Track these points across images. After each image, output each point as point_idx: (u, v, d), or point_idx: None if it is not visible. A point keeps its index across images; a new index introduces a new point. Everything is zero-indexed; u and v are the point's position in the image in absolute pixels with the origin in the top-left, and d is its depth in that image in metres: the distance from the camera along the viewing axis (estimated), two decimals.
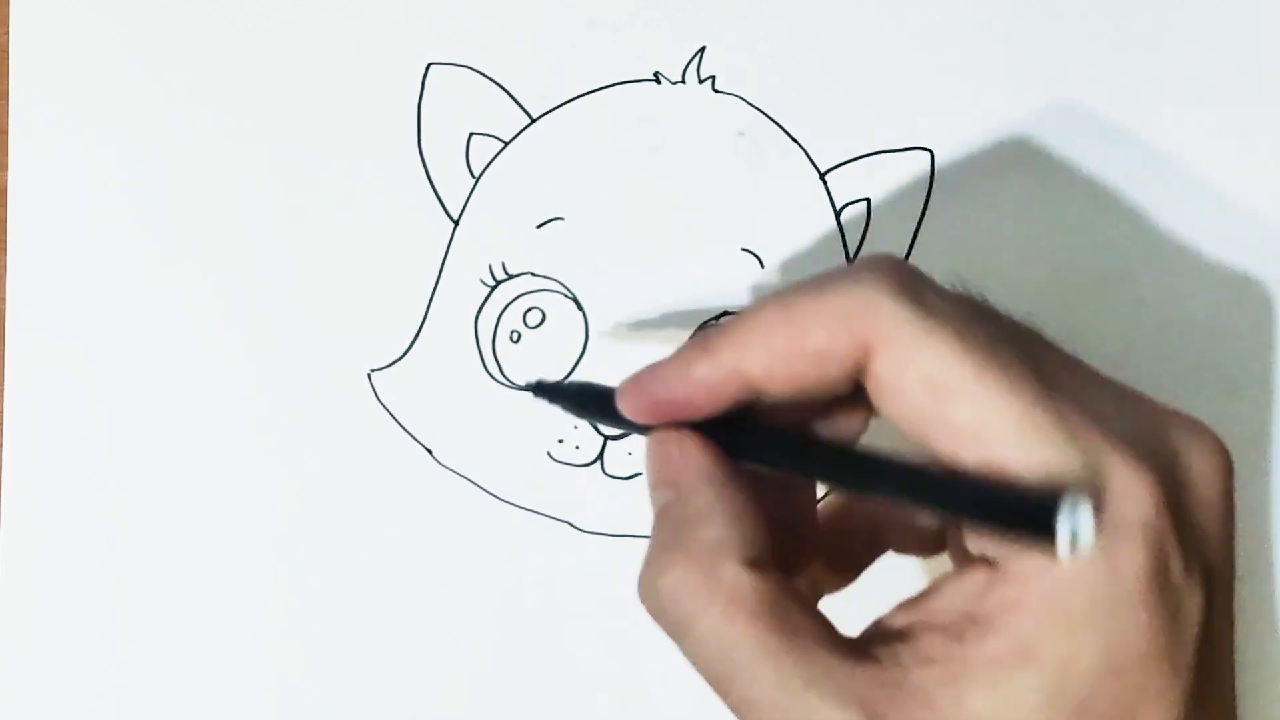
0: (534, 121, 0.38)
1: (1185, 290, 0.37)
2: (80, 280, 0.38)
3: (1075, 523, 0.23)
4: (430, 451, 0.38)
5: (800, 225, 0.37)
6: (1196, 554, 0.25)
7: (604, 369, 0.37)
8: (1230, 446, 0.27)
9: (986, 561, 0.26)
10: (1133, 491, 0.24)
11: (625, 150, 0.38)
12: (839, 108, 0.37)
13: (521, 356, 0.38)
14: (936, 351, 0.25)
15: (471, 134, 0.38)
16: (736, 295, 0.37)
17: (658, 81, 0.38)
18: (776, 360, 0.26)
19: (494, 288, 0.38)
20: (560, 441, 0.38)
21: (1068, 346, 0.29)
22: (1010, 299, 0.37)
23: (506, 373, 0.38)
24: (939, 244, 0.37)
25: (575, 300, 0.38)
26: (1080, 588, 0.24)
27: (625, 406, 0.29)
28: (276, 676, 0.39)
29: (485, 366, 0.38)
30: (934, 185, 0.37)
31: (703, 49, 0.37)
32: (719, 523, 0.26)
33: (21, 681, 0.39)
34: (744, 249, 0.37)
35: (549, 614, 0.38)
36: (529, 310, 0.38)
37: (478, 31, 0.38)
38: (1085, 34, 0.37)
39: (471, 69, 0.38)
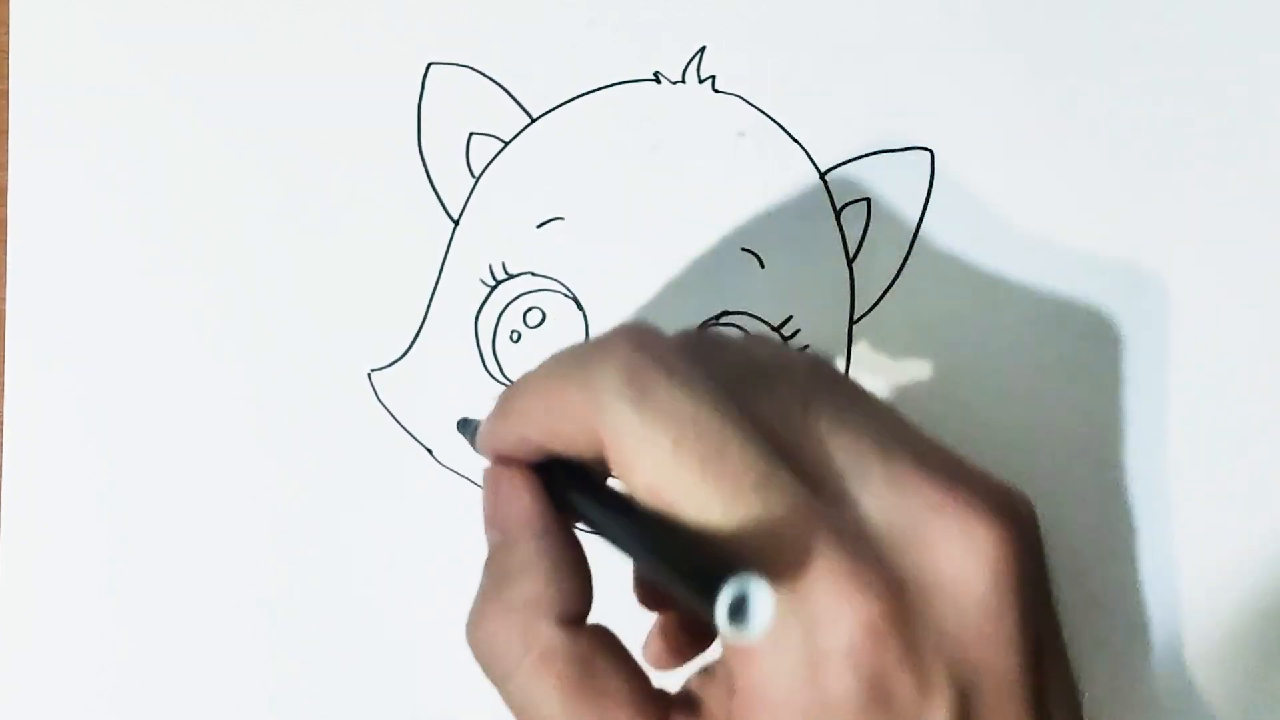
0: (534, 121, 0.38)
1: (1186, 286, 0.37)
2: (80, 280, 0.38)
3: (746, 597, 0.21)
4: (430, 451, 0.38)
5: (800, 225, 0.37)
6: (945, 664, 0.24)
7: None
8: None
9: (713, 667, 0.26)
10: (838, 615, 0.23)
11: (625, 150, 0.38)
12: (839, 108, 0.37)
13: (521, 356, 0.38)
14: (653, 461, 0.24)
15: (471, 134, 0.38)
16: (736, 295, 0.37)
17: (658, 81, 0.38)
18: (546, 440, 0.27)
19: (494, 288, 0.38)
20: None
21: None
22: (1010, 299, 0.37)
23: (506, 373, 0.38)
24: (939, 244, 0.37)
25: (575, 300, 0.38)
26: (793, 708, 0.24)
27: (478, 448, 0.29)
28: (276, 676, 0.39)
29: (485, 366, 0.38)
30: (934, 185, 0.37)
31: (703, 49, 0.37)
32: (537, 578, 0.26)
33: (21, 681, 0.39)
34: (744, 249, 0.37)
35: None
36: (529, 310, 0.38)
37: (478, 31, 0.38)
38: (1085, 34, 0.37)
39: (471, 69, 0.38)
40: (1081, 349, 0.37)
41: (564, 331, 0.38)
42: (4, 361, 0.38)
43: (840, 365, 0.37)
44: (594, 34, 0.38)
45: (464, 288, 0.38)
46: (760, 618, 0.21)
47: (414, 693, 0.38)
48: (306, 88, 0.38)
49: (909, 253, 0.37)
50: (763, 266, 0.37)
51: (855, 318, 0.37)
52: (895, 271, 0.37)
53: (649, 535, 0.24)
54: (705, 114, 0.37)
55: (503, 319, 0.38)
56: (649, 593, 0.31)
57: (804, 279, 0.37)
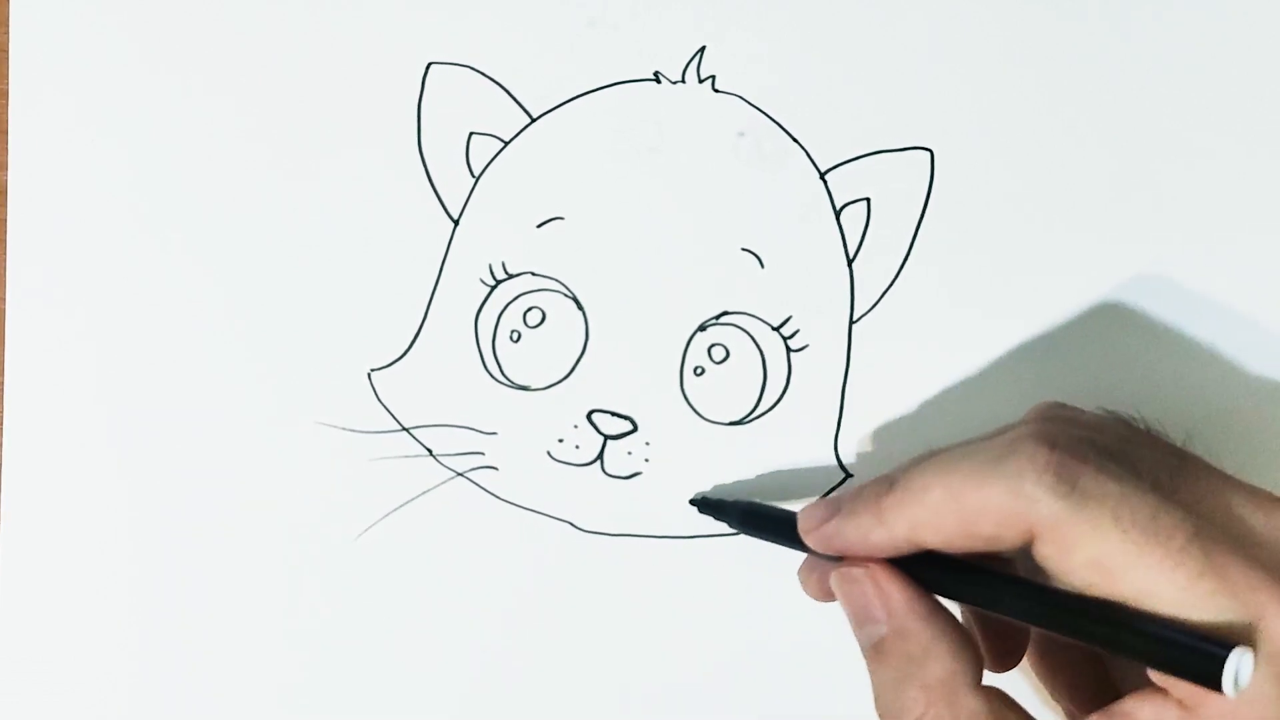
0: (534, 121, 0.38)
1: (1186, 285, 0.37)
2: (80, 279, 0.38)
3: (1238, 668, 0.26)
4: (430, 451, 0.38)
5: (800, 225, 0.37)
6: None
7: (604, 369, 0.38)
8: None
9: (1164, 690, 0.28)
10: None
11: (625, 150, 0.38)
12: (839, 108, 0.37)
13: (521, 356, 0.38)
14: (1097, 538, 0.28)
15: (471, 134, 0.38)
16: (736, 295, 0.37)
17: (658, 81, 0.38)
18: (947, 539, 0.30)
19: (494, 287, 0.38)
20: (560, 441, 0.38)
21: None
22: (1010, 298, 0.37)
23: (506, 372, 0.38)
24: (939, 244, 0.37)
25: (575, 300, 0.38)
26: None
27: (811, 542, 0.33)
28: (275, 675, 0.39)
29: (485, 366, 0.38)
30: (934, 185, 0.37)
31: (703, 49, 0.37)
32: (945, 655, 0.30)
33: (22, 681, 0.39)
34: (744, 249, 0.37)
35: (549, 613, 0.38)
36: (529, 310, 0.38)
37: (478, 31, 0.38)
38: (1085, 34, 0.37)
39: (471, 69, 0.38)
40: (1081, 348, 0.37)
41: (564, 331, 0.38)
42: (4, 361, 0.38)
43: (840, 365, 0.37)
44: (594, 34, 0.38)
45: (464, 288, 0.38)
46: (1245, 676, 0.26)
47: (415, 692, 0.38)
48: (306, 88, 0.38)
49: (909, 253, 0.37)
50: (763, 266, 0.37)
51: (855, 318, 0.37)
52: (895, 271, 0.37)
53: (1106, 619, 0.28)
54: (705, 114, 0.37)
55: (503, 319, 0.38)
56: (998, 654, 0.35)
57: (804, 279, 0.37)
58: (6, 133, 0.38)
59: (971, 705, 0.29)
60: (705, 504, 0.37)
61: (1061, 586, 0.29)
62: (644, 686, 0.38)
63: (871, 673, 0.31)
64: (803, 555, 0.34)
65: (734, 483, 0.38)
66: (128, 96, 0.38)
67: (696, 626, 0.38)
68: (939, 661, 0.30)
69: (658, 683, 0.38)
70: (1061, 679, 0.34)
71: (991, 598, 0.30)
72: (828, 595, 0.33)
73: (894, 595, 0.31)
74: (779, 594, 0.38)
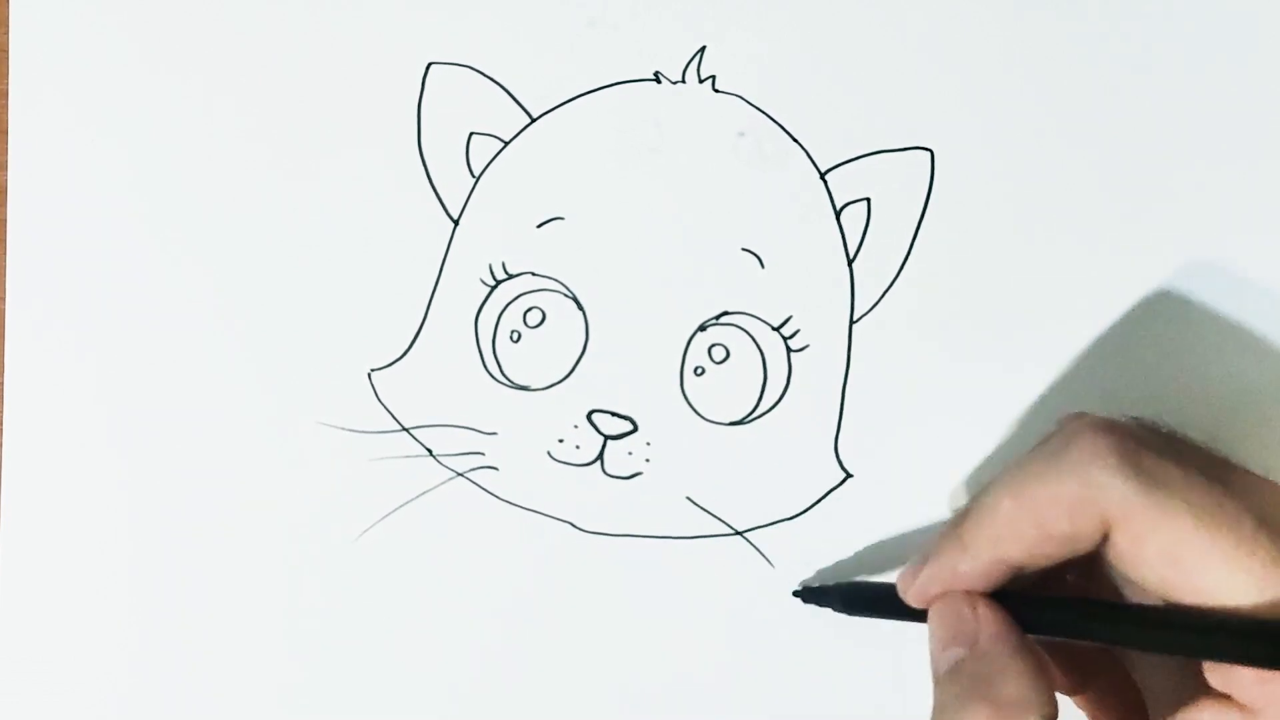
0: (534, 121, 0.38)
1: (1185, 285, 0.37)
2: (80, 280, 0.38)
3: None
4: (430, 451, 0.38)
5: (800, 225, 0.37)
6: None
7: (604, 369, 0.38)
8: None
9: (1228, 697, 0.28)
10: None
11: (625, 150, 0.38)
12: (839, 108, 0.37)
13: (521, 356, 0.38)
14: (1170, 524, 0.27)
15: (471, 134, 0.38)
16: (736, 295, 0.37)
17: (658, 81, 0.38)
18: (1027, 546, 0.30)
19: (494, 287, 0.38)
20: (560, 441, 0.38)
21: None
22: (1010, 298, 0.37)
23: (506, 373, 0.38)
24: (939, 244, 0.37)
25: (575, 300, 0.38)
26: None
27: (913, 600, 0.32)
28: (275, 675, 0.39)
29: (485, 366, 0.38)
30: (934, 185, 0.37)
31: (703, 49, 0.37)
32: (1021, 681, 0.29)
33: (22, 681, 0.39)
34: (744, 249, 0.37)
35: (549, 613, 0.38)
36: (529, 310, 0.38)
37: (478, 31, 0.38)
38: (1085, 34, 0.37)
39: (471, 69, 0.38)
40: (1081, 348, 0.37)
41: (564, 331, 0.38)
42: (4, 361, 0.38)
43: (840, 365, 0.37)
44: (594, 34, 0.38)
45: (464, 288, 0.38)
46: None
47: (415, 692, 0.38)
48: (307, 87, 0.38)
49: (909, 253, 0.37)
50: (763, 266, 0.37)
51: (855, 318, 0.37)
52: (895, 271, 0.37)
53: (1205, 627, 0.28)
54: (705, 114, 0.37)
55: (503, 319, 0.38)
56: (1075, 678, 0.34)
57: (804, 279, 0.37)
58: (6, 133, 0.38)
59: None
60: (809, 593, 0.37)
61: (1136, 583, 0.29)
62: (644, 686, 0.38)
63: (938, 692, 0.30)
64: (817, 551, 0.35)
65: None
66: (128, 96, 0.38)
67: (696, 626, 0.38)
68: (1013, 684, 0.29)
69: (658, 683, 0.38)
70: (1109, 704, 0.34)
71: (1078, 625, 0.30)
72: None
73: (988, 620, 0.31)
74: (779, 594, 0.38)
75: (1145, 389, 0.37)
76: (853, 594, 0.36)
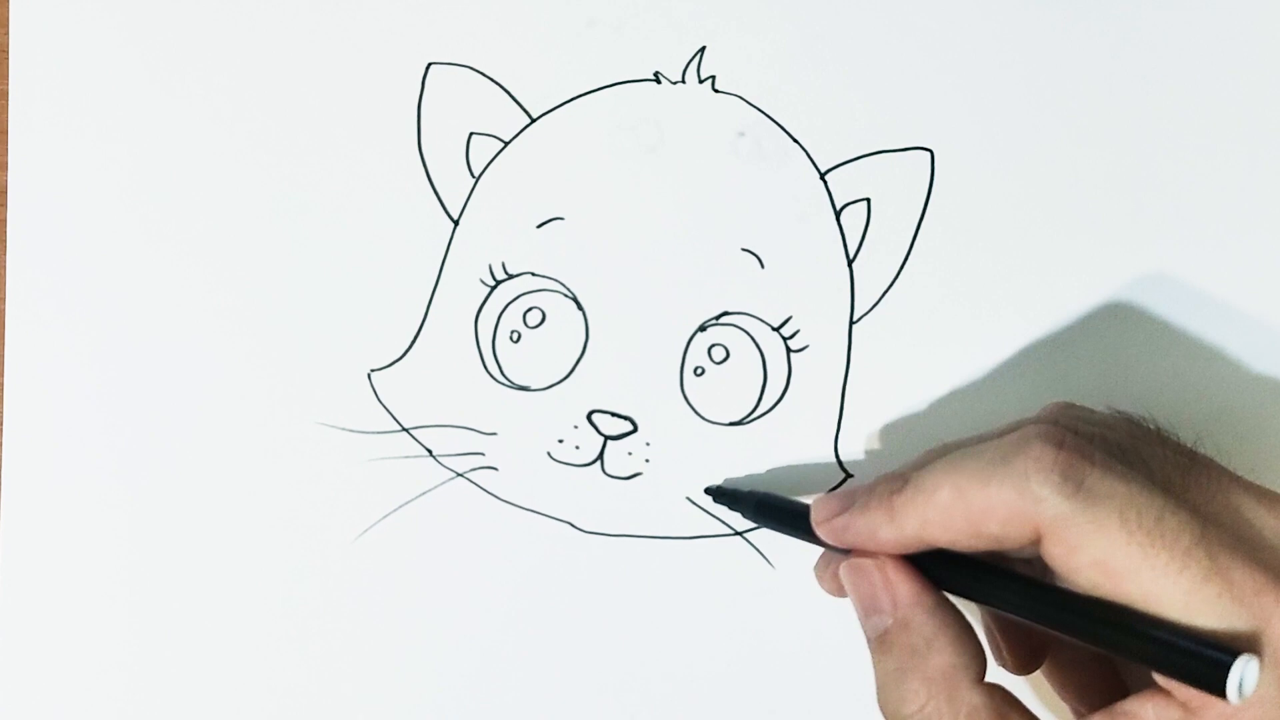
0: (534, 121, 0.38)
1: (1185, 285, 0.37)
2: (80, 279, 0.38)
3: (1242, 675, 0.26)
4: (430, 451, 0.38)
5: (800, 225, 0.37)
6: None
7: (604, 369, 0.38)
8: None
9: (1168, 692, 0.28)
10: None
11: (625, 150, 0.38)
12: (839, 108, 0.37)
13: (521, 356, 0.38)
14: (1102, 539, 0.28)
15: (471, 134, 0.38)
16: (736, 295, 0.37)
17: (658, 81, 0.38)
18: (955, 538, 0.30)
19: (494, 288, 0.38)
20: (560, 441, 0.38)
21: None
22: (1010, 298, 0.37)
23: (506, 373, 0.38)
24: (939, 244, 0.37)
25: (575, 300, 0.38)
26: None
27: (823, 534, 0.33)
28: (275, 675, 0.39)
29: (485, 366, 0.38)
30: (934, 185, 0.37)
31: (703, 49, 0.37)
32: (947, 649, 0.30)
33: (22, 681, 0.39)
34: (744, 249, 0.37)
35: (549, 613, 0.38)
36: (529, 310, 0.38)
37: (478, 31, 0.38)
38: (1085, 34, 0.37)
39: (471, 69, 0.38)
40: (1082, 348, 0.37)
41: (564, 331, 0.38)
42: (4, 361, 0.38)
43: (840, 365, 0.37)
44: (594, 34, 0.38)
45: (464, 288, 0.38)
46: (1250, 683, 0.26)
47: (414, 692, 0.38)
48: (307, 88, 0.38)
49: (909, 253, 0.37)
50: (763, 266, 0.37)
51: (855, 318, 0.37)
52: (895, 271, 0.37)
53: (1107, 620, 0.28)
54: (705, 114, 0.37)
55: (503, 319, 0.38)
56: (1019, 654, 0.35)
57: (804, 279, 0.37)
58: (6, 133, 0.38)
59: (972, 699, 0.29)
60: (720, 493, 0.37)
61: (1068, 587, 0.29)
62: (644, 686, 0.38)
63: (875, 664, 0.31)
64: (817, 551, 0.35)
65: (744, 476, 0.38)
66: (127, 96, 0.38)
67: (696, 626, 0.38)
68: (941, 654, 0.30)
69: (658, 683, 0.38)
70: (1070, 677, 0.34)
71: (997, 595, 0.30)
72: (842, 590, 0.33)
73: (901, 587, 0.31)
74: (779, 594, 0.38)
75: (1144, 388, 0.37)
76: (765, 505, 0.36)
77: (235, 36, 0.38)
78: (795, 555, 0.37)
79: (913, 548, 0.31)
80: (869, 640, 0.32)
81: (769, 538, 0.38)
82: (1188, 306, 0.37)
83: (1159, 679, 0.28)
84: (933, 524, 0.30)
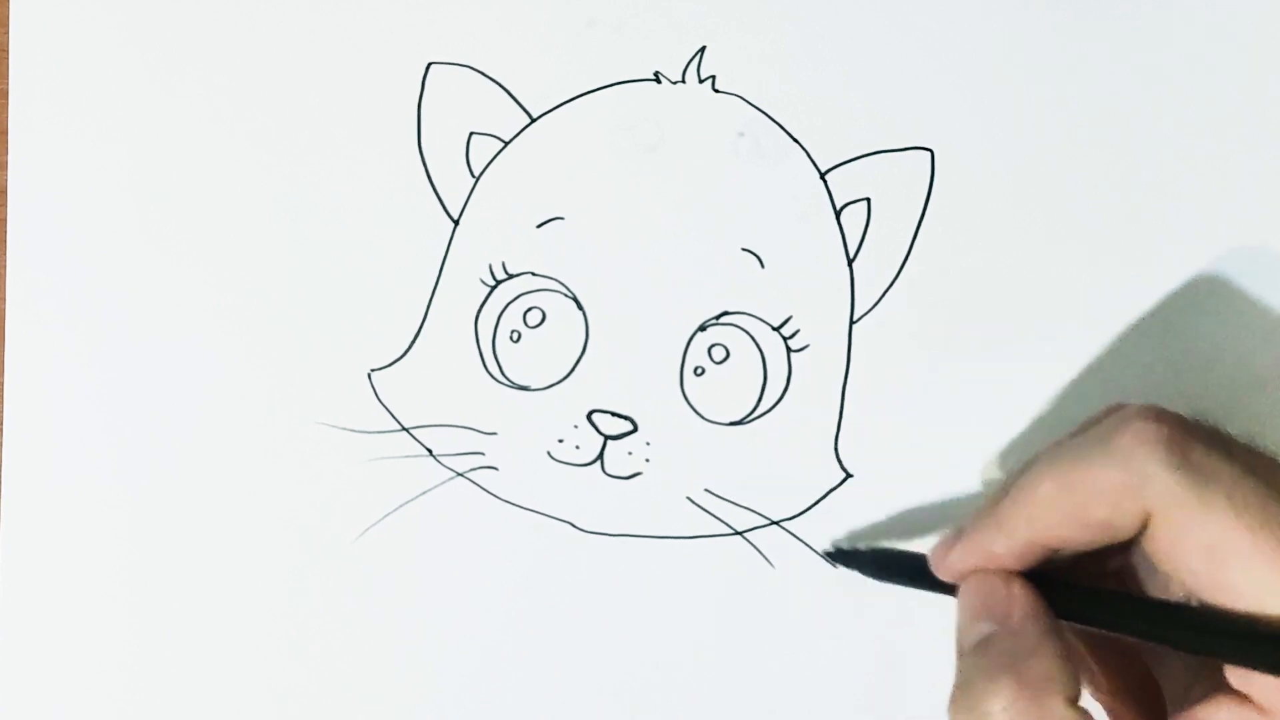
0: (534, 121, 0.38)
1: (1185, 285, 0.37)
2: (80, 279, 0.38)
3: None
4: (430, 451, 0.38)
5: (800, 225, 0.37)
6: None
7: (604, 369, 0.38)
8: None
9: (1246, 697, 0.28)
10: None
11: (625, 150, 0.38)
12: (839, 108, 0.37)
13: (521, 356, 0.38)
14: (1213, 520, 0.27)
15: (471, 134, 0.38)
16: (736, 295, 0.37)
17: (658, 81, 0.38)
18: (1065, 531, 0.29)
19: (494, 287, 0.38)
20: (560, 441, 0.38)
21: None
22: (1010, 298, 0.37)
23: (506, 373, 0.38)
24: (939, 244, 0.37)
25: (575, 300, 0.38)
26: None
27: (945, 576, 0.32)
28: (275, 675, 0.39)
29: (485, 366, 0.38)
30: (934, 185, 0.37)
31: (703, 49, 0.37)
32: (1050, 660, 0.29)
33: (22, 681, 0.39)
34: (744, 249, 0.37)
35: (549, 613, 0.38)
36: (529, 310, 0.38)
37: (478, 31, 0.38)
38: (1085, 34, 0.37)
39: (471, 69, 0.38)
40: (1080, 347, 0.37)
41: (564, 331, 0.38)
42: (4, 361, 0.38)
43: (840, 365, 0.37)
44: (594, 34, 0.38)
45: (464, 288, 0.38)
46: None
47: (414, 692, 0.38)
48: (307, 88, 0.38)
49: (909, 253, 0.37)
50: (763, 266, 0.37)
51: (855, 318, 0.37)
52: (895, 271, 0.37)
53: (1237, 631, 0.27)
54: (705, 114, 0.37)
55: (503, 319, 0.38)
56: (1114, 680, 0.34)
57: (804, 279, 0.37)
58: (6, 133, 0.38)
59: (1062, 713, 0.28)
60: (840, 554, 0.37)
61: (1170, 575, 0.28)
62: (644, 686, 0.38)
63: (963, 666, 0.30)
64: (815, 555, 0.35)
65: (738, 460, 0.37)
66: (127, 96, 0.38)
67: (696, 626, 0.38)
68: (1042, 661, 0.29)
69: (657, 682, 0.38)
70: (1116, 689, 0.34)
71: (1111, 616, 0.30)
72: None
73: (1022, 597, 0.30)
74: (779, 594, 0.38)
75: (1143, 388, 0.37)
76: (885, 560, 0.36)
77: (235, 36, 0.38)
78: (795, 555, 0.37)
79: (1027, 556, 0.30)
80: (963, 646, 0.30)
81: (769, 538, 0.38)
82: (1188, 305, 0.37)
83: (1234, 681, 0.28)
84: (1040, 521, 0.29)
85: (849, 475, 0.37)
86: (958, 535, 0.32)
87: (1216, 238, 0.37)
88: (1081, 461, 0.28)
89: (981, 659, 0.29)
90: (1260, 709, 0.27)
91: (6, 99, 0.38)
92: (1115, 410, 0.31)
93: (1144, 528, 0.28)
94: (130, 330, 0.38)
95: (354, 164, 0.38)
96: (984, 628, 0.30)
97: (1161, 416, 0.28)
